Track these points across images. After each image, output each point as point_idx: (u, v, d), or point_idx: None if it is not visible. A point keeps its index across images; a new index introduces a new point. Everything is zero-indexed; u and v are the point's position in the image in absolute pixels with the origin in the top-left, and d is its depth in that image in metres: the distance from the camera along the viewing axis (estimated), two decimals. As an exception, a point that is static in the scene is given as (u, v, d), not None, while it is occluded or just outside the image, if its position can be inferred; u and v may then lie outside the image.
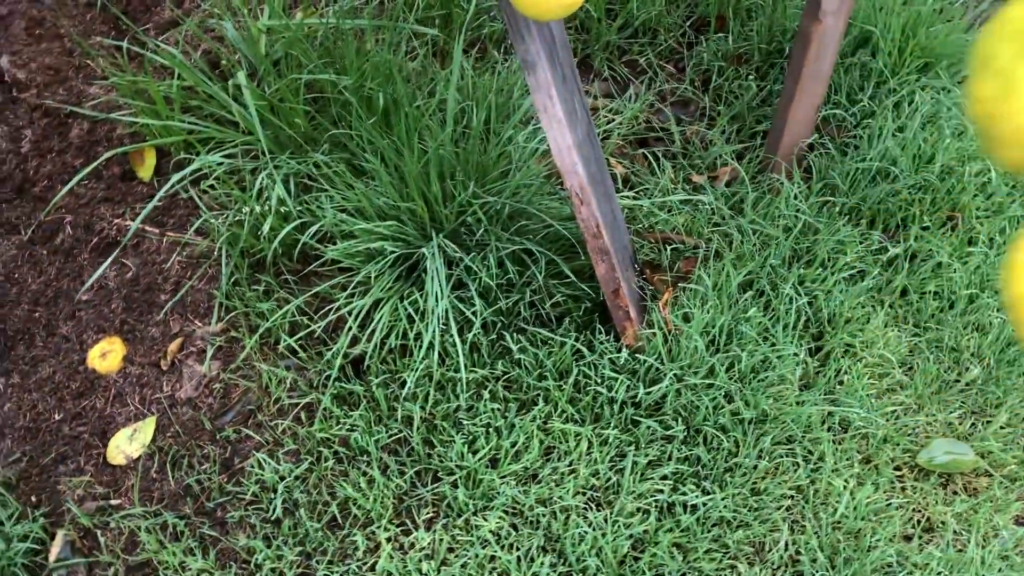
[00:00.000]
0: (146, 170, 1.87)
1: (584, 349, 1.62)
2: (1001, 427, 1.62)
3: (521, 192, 1.73)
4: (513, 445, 1.55)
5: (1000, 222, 1.80)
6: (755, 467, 1.55)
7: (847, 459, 1.58)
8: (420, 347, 1.60)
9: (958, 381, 1.67)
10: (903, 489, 1.57)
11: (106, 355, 1.65)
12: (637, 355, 1.61)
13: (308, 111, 1.78)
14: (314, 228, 1.67)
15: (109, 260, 1.72)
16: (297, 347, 1.68)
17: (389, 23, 1.92)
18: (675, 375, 1.57)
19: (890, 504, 1.54)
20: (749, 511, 1.52)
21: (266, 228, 1.66)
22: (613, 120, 2.01)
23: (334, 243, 1.70)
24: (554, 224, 1.70)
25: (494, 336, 1.66)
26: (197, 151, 1.84)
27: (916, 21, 1.92)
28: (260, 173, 1.72)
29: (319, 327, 1.68)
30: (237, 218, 1.72)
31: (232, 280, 1.72)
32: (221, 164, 1.76)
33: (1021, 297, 0.51)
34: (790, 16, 2.05)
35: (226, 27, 1.91)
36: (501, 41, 2.08)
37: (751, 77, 2.02)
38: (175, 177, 1.73)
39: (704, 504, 1.50)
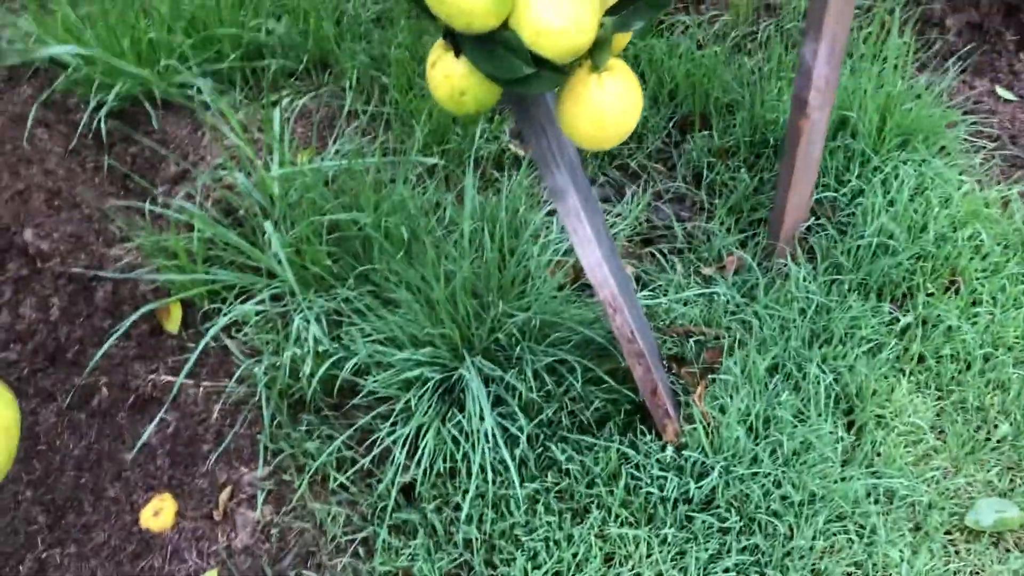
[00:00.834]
0: (173, 323, 1.91)
1: (629, 451, 1.66)
2: (1038, 479, 1.67)
3: (546, 303, 1.79)
4: (575, 556, 1.57)
5: (999, 281, 1.89)
6: (811, 548, 1.58)
7: (898, 529, 1.61)
8: (470, 467, 1.63)
9: (989, 439, 1.73)
10: (957, 553, 1.61)
11: (159, 513, 1.65)
12: (682, 451, 1.65)
13: (330, 250, 1.84)
14: (351, 363, 1.71)
15: (154, 424, 1.75)
16: (347, 482, 1.70)
17: (396, 159, 2.01)
18: (722, 467, 1.61)
19: (948, 569, 1.58)
20: (814, 593, 1.54)
21: (306, 369, 1.69)
22: (616, 223, 2.09)
23: (370, 373, 1.73)
24: (582, 330, 1.76)
25: (540, 448, 1.69)
26: (223, 298, 1.88)
27: (889, 101, 2.05)
28: (292, 315, 1.76)
29: (366, 460, 1.70)
30: (273, 362, 1.76)
31: (274, 423, 1.75)
32: (252, 311, 1.80)
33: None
34: (768, 108, 2.17)
35: (238, 178, 1.98)
36: (500, 162, 2.17)
37: (741, 169, 2.13)
38: (209, 333, 1.78)
39: (770, 592, 1.53)
